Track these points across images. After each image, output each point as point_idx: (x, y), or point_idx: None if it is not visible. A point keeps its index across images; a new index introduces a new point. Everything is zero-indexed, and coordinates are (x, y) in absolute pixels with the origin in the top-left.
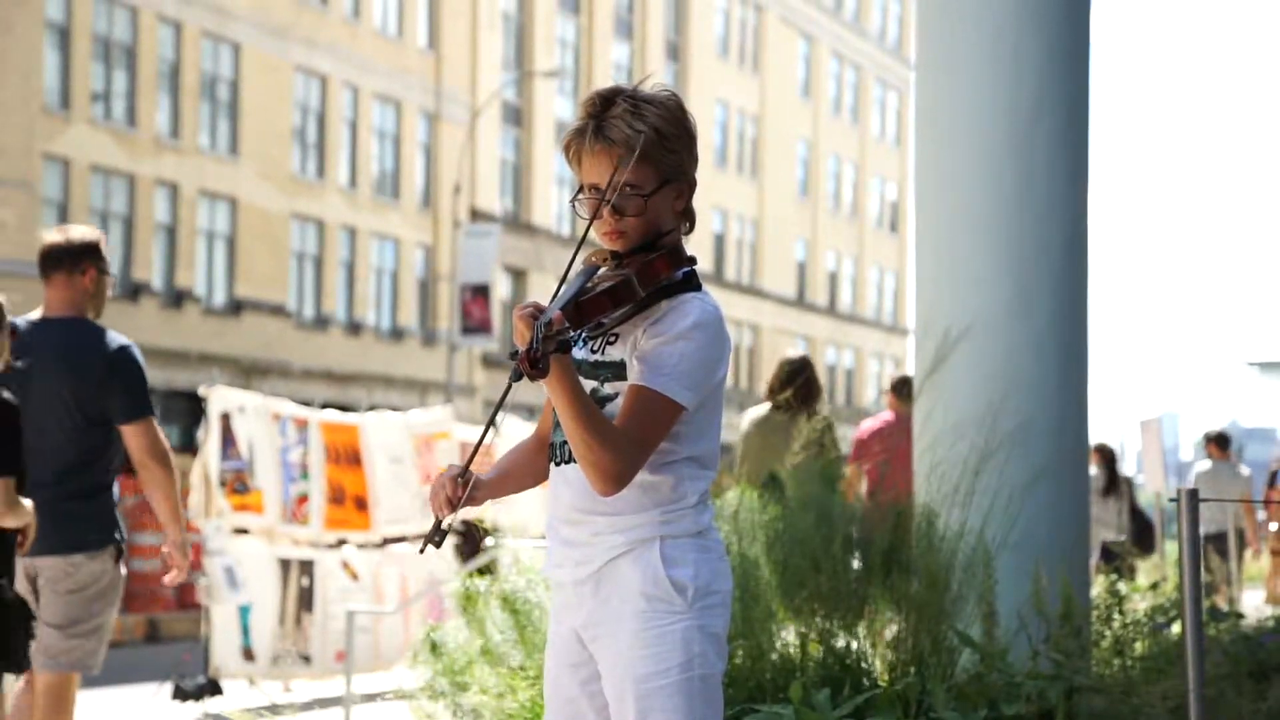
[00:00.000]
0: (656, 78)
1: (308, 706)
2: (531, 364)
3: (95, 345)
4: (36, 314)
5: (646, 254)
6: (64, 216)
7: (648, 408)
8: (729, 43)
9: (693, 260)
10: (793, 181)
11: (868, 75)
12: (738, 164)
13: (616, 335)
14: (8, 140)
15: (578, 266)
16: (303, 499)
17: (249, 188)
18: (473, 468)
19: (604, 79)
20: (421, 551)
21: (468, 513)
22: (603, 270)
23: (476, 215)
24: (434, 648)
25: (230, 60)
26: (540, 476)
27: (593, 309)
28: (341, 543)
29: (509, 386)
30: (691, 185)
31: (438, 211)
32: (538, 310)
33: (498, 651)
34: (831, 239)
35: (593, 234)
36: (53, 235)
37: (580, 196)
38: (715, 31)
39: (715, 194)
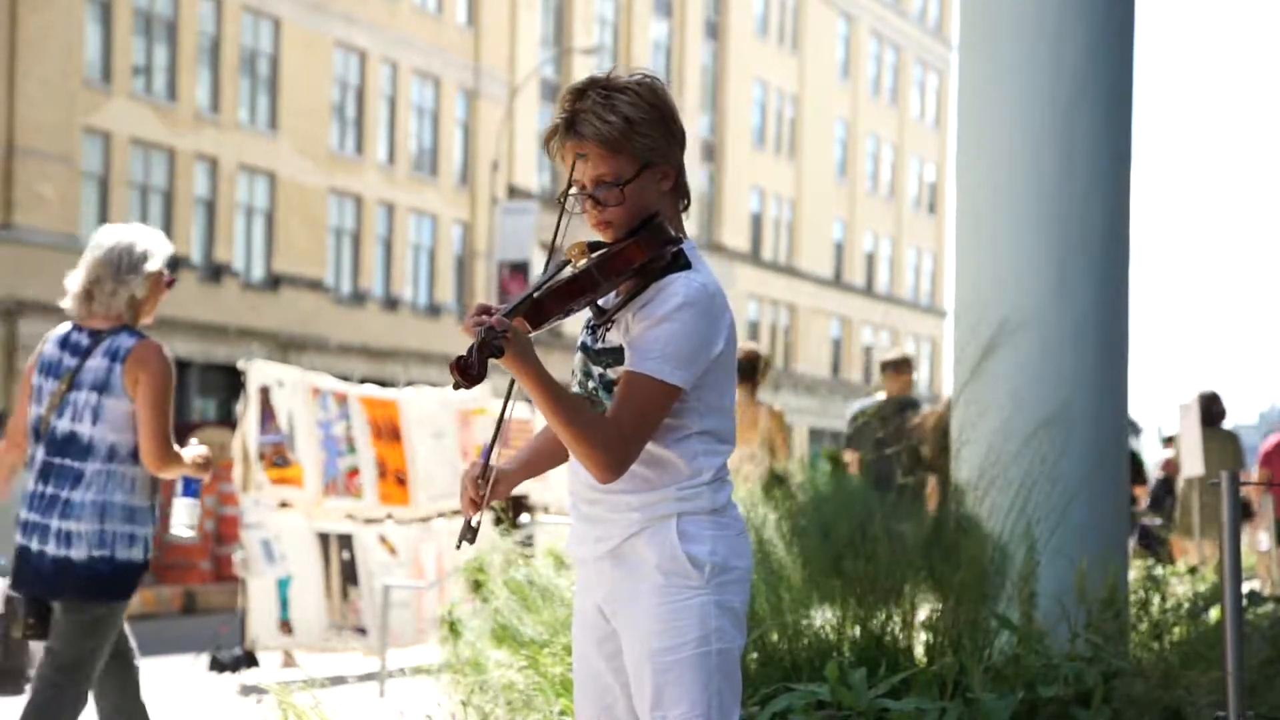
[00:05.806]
0: (695, 56)
1: (342, 680)
2: (462, 371)
3: None
4: None
5: (622, 243)
6: (104, 190)
7: (638, 393)
8: (768, 22)
9: (678, 240)
10: (831, 162)
11: (907, 56)
12: (776, 144)
13: (613, 322)
14: (48, 113)
15: (558, 260)
16: (353, 472)
17: (288, 163)
18: (506, 449)
19: (643, 57)
20: (458, 548)
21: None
22: (581, 263)
23: (514, 192)
24: (453, 628)
25: (270, 35)
26: (564, 456)
27: (552, 303)
28: (389, 517)
29: (508, 391)
30: (676, 165)
31: (475, 188)
32: (485, 312)
33: (511, 630)
34: (869, 220)
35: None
36: None
37: (565, 194)
38: (755, 10)
39: (753, 174)
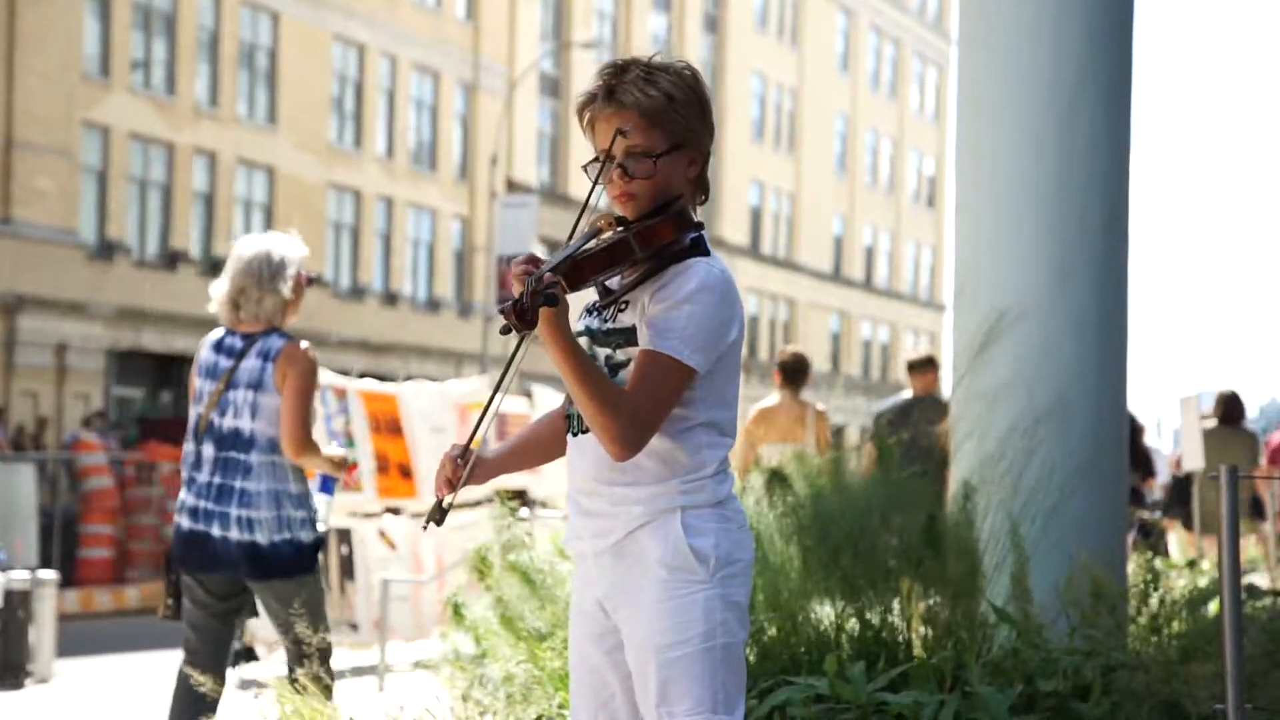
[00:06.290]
0: (694, 50)
1: (341, 674)
2: (518, 315)
3: None
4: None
5: (651, 218)
6: (102, 184)
7: (656, 372)
8: (768, 15)
9: (699, 226)
10: (830, 156)
11: (907, 49)
12: (775, 138)
13: (627, 303)
14: (47, 108)
15: (583, 229)
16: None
17: (287, 157)
18: (489, 437)
19: (642, 50)
20: (425, 529)
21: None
22: (606, 234)
23: (513, 186)
24: (459, 615)
25: (269, 29)
26: (560, 451)
27: (589, 267)
28: (390, 510)
29: (514, 350)
30: (704, 154)
31: (474, 183)
32: (533, 263)
33: (516, 621)
34: (868, 214)
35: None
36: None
37: (594, 162)
38: (754, 4)
39: (752, 167)
